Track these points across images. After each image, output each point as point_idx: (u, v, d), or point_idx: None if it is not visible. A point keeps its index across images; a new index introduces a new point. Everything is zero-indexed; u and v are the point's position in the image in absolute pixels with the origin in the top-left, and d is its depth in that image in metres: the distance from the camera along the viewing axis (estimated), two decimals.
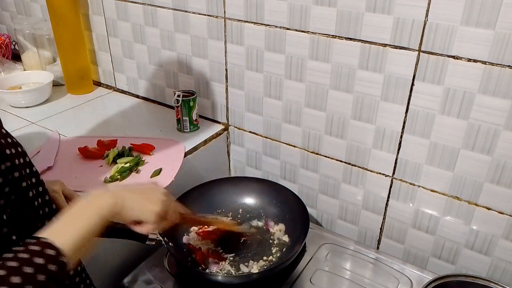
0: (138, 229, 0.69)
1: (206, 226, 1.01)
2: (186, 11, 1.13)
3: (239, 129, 1.20)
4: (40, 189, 0.61)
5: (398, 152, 0.94)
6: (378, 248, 1.07)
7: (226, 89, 1.17)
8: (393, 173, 0.97)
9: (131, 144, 1.12)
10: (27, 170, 0.59)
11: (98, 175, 1.01)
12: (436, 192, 0.93)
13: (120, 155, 1.06)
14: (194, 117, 1.17)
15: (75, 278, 0.68)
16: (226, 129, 1.23)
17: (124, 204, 0.62)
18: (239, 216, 1.08)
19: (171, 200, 0.72)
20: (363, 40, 0.89)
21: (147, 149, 1.10)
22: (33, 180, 0.60)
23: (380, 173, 0.99)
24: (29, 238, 0.51)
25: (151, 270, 0.95)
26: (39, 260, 0.47)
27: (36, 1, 1.54)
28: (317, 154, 1.07)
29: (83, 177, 1.01)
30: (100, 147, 1.10)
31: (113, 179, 0.99)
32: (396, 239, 1.03)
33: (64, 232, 0.53)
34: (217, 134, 1.20)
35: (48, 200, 0.63)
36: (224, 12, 1.06)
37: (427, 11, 0.79)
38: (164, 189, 0.72)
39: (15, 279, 0.45)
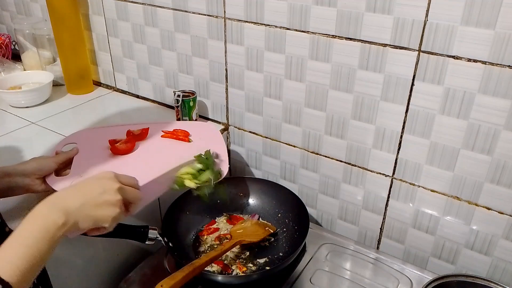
0: (95, 233, 0.64)
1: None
2: (186, 11, 1.13)
3: (239, 129, 1.20)
4: None
5: (398, 152, 0.94)
6: (378, 248, 1.07)
7: (226, 89, 1.17)
8: (393, 173, 0.97)
9: (163, 131, 1.02)
10: None
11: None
12: (436, 192, 0.93)
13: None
14: (194, 117, 1.17)
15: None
16: (226, 129, 1.23)
17: (75, 221, 0.57)
18: (240, 215, 1.08)
19: (124, 181, 0.66)
20: (363, 40, 0.89)
21: (184, 135, 1.01)
22: None
23: (380, 173, 0.99)
24: None
25: (151, 270, 0.95)
26: None
27: (36, 1, 1.54)
28: (317, 154, 1.07)
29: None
30: (129, 138, 0.99)
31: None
32: (396, 239, 1.03)
33: (11, 262, 0.49)
34: None
35: None
36: (224, 12, 1.06)
37: (427, 11, 0.79)
38: (111, 174, 0.65)
39: None
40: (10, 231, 0.64)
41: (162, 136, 1.02)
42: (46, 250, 0.52)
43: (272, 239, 1.01)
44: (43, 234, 0.53)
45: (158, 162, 0.90)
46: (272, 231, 1.01)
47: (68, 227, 0.56)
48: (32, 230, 0.53)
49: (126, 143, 0.96)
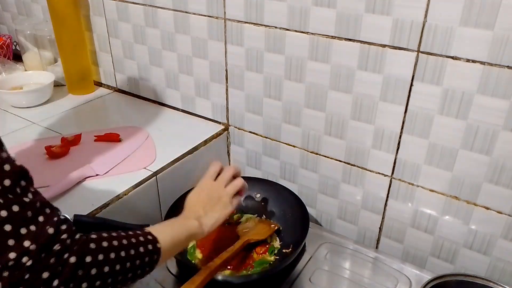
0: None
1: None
2: (186, 12, 1.14)
3: (239, 129, 1.21)
4: None
5: (397, 152, 0.95)
6: (377, 247, 1.08)
7: (226, 89, 1.17)
8: (392, 173, 0.97)
9: (95, 136, 1.15)
10: None
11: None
12: (435, 192, 0.93)
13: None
14: None
15: None
16: (226, 129, 1.23)
17: (205, 223, 0.79)
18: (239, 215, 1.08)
19: (228, 177, 0.87)
20: (362, 41, 0.89)
21: (114, 137, 1.14)
22: None
23: (379, 173, 0.99)
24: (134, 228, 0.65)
25: None
26: (141, 238, 0.63)
27: (37, 1, 1.54)
28: (317, 154, 1.08)
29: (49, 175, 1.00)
30: (64, 143, 1.11)
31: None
32: (395, 239, 1.04)
33: (163, 233, 0.68)
34: (217, 134, 1.21)
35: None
36: (224, 13, 1.07)
37: (426, 12, 0.80)
38: (219, 181, 0.86)
39: (124, 241, 0.59)
40: None
41: (95, 141, 1.14)
42: (184, 240, 0.73)
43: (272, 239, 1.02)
44: (186, 230, 0.74)
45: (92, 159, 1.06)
46: (277, 228, 1.02)
47: (200, 227, 0.77)
48: (180, 225, 0.76)
49: (61, 147, 1.08)
